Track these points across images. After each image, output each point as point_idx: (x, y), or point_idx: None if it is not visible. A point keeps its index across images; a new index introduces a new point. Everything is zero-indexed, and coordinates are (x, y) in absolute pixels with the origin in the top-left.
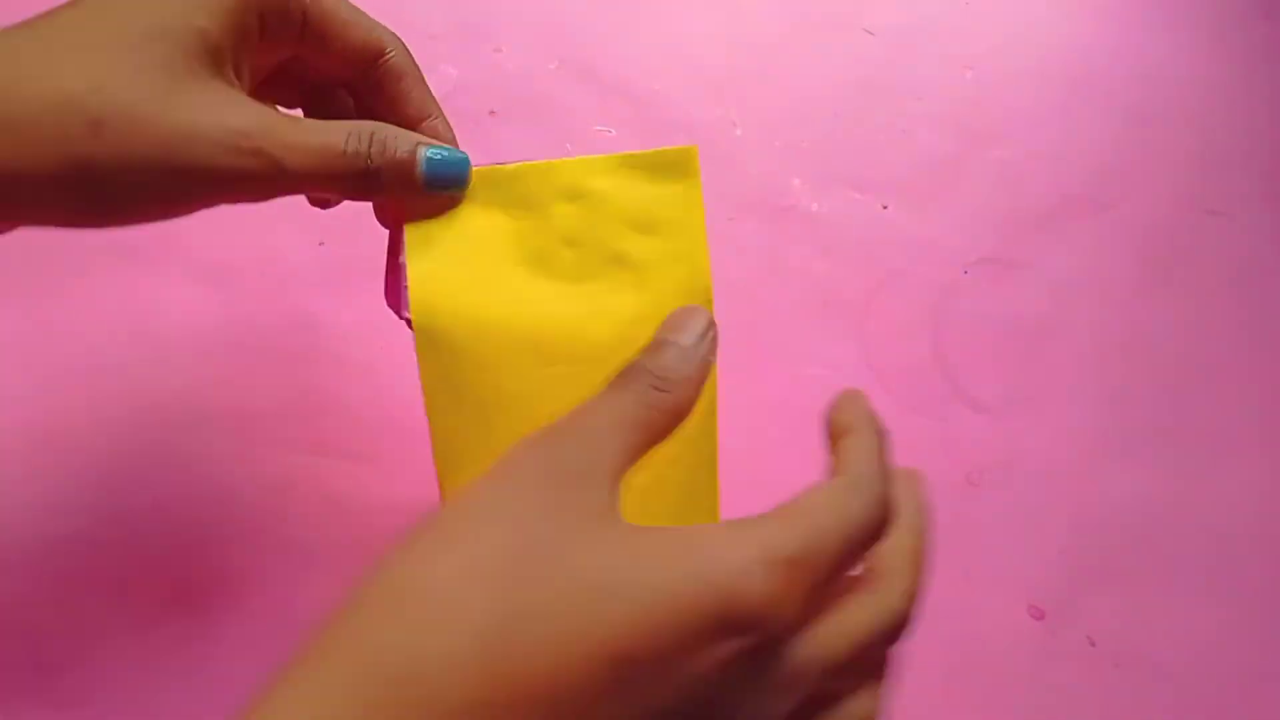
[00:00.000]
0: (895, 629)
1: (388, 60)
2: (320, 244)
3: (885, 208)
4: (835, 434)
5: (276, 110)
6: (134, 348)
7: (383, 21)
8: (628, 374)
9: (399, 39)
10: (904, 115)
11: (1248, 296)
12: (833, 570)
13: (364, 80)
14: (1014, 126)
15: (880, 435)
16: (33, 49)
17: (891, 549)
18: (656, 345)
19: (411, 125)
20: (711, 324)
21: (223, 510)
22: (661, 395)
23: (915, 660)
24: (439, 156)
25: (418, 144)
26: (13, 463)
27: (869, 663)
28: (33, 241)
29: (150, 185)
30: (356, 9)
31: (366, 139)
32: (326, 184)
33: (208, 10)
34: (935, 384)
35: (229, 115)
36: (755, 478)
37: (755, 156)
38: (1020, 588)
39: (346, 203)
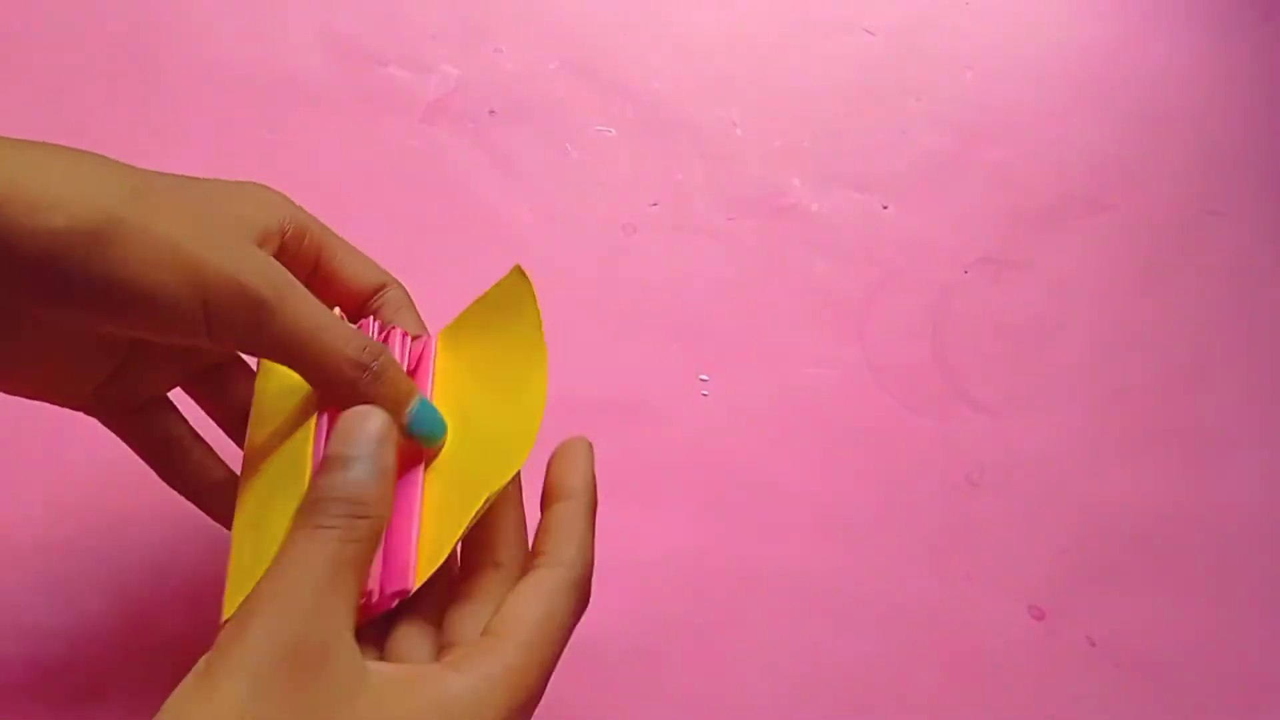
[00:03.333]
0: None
1: (384, 295)
2: None
3: (885, 208)
4: (550, 493)
5: (296, 281)
6: None
7: (383, 21)
8: (320, 508)
9: (399, 283)
10: (904, 115)
11: (1248, 296)
12: (556, 664)
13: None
14: (1014, 126)
15: (592, 507)
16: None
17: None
18: (337, 463)
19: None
20: (388, 423)
21: None
22: (362, 523)
23: (915, 660)
24: (427, 421)
25: (410, 397)
26: (12, 462)
27: None
28: None
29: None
30: (363, 259)
31: (375, 355)
32: (314, 362)
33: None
34: (935, 384)
35: (255, 273)
36: (755, 477)
37: (755, 156)
38: (1020, 588)
39: None
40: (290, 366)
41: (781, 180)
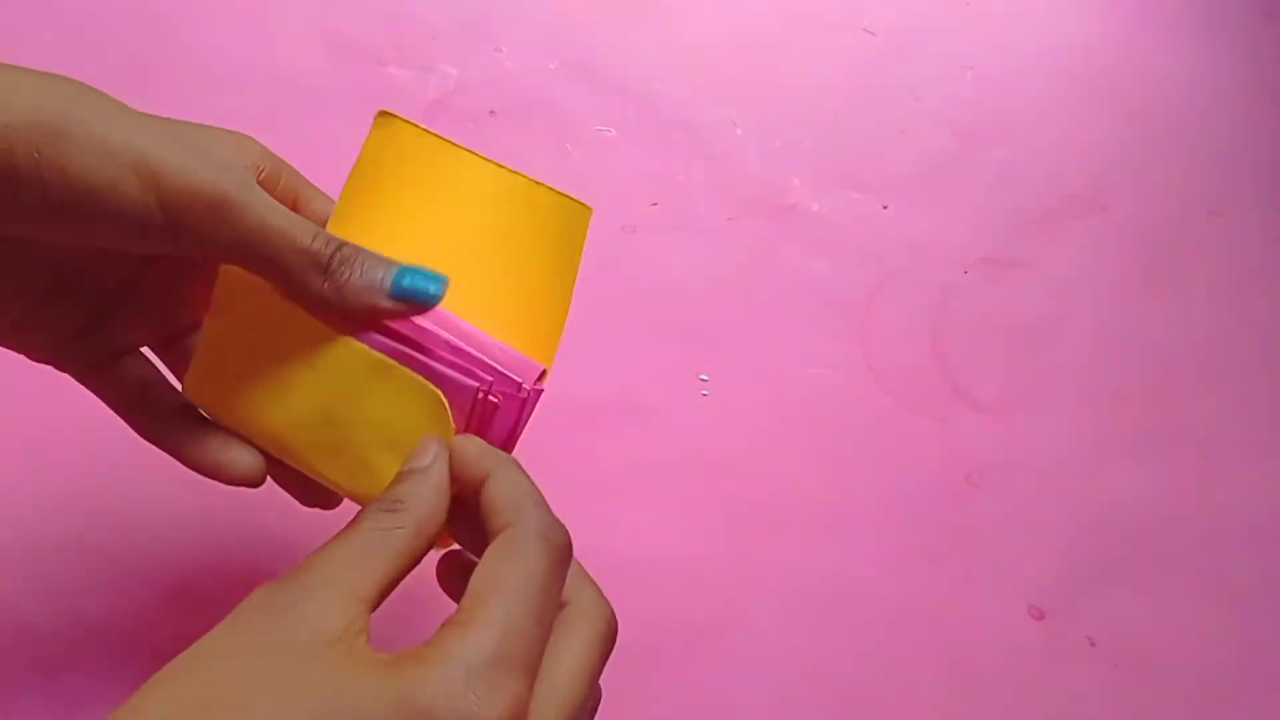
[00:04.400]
0: (609, 638)
1: None
2: None
3: (885, 208)
4: (473, 487)
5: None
6: None
7: (383, 21)
8: (361, 511)
9: None
10: (904, 115)
11: (1248, 296)
12: (537, 628)
13: None
14: (1014, 126)
15: (511, 464)
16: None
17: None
18: (394, 480)
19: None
20: (441, 444)
21: (223, 508)
22: (393, 515)
23: (915, 660)
24: (419, 284)
25: (396, 266)
26: (11, 461)
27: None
28: None
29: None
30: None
31: (338, 244)
32: (276, 258)
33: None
34: (935, 384)
35: (221, 172)
36: (755, 477)
37: (755, 156)
38: (1020, 588)
39: None
40: (252, 267)
41: (781, 180)
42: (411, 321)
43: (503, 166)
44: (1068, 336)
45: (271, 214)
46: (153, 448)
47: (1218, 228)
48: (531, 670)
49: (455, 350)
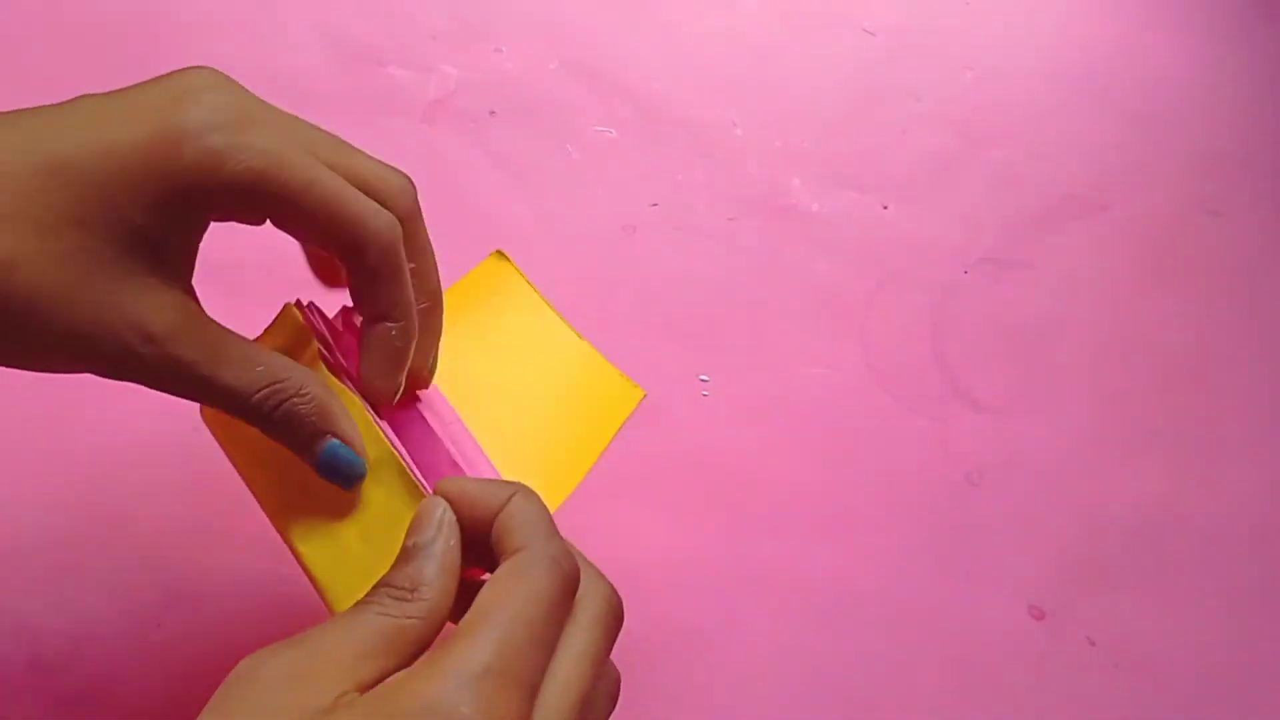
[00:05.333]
0: (611, 617)
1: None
2: None
3: (885, 208)
4: (487, 519)
5: (198, 314)
6: None
7: (383, 21)
8: (370, 592)
9: (392, 232)
10: (904, 115)
11: (1248, 296)
12: (538, 649)
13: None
14: (1014, 126)
15: (525, 491)
16: None
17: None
18: (400, 557)
19: (372, 319)
20: (446, 509)
21: (223, 509)
22: (404, 605)
23: (915, 660)
24: (332, 457)
25: (325, 435)
26: (10, 460)
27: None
28: None
29: (53, 361)
30: (355, 196)
31: (275, 403)
32: (223, 409)
33: (138, 202)
34: (935, 384)
35: (143, 312)
36: (755, 477)
37: (755, 156)
38: (1020, 588)
39: None
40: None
41: (781, 180)
42: (430, 429)
43: (576, 332)
44: (1068, 336)
45: (223, 369)
46: (152, 448)
47: (1218, 228)
48: (530, 689)
49: (454, 467)
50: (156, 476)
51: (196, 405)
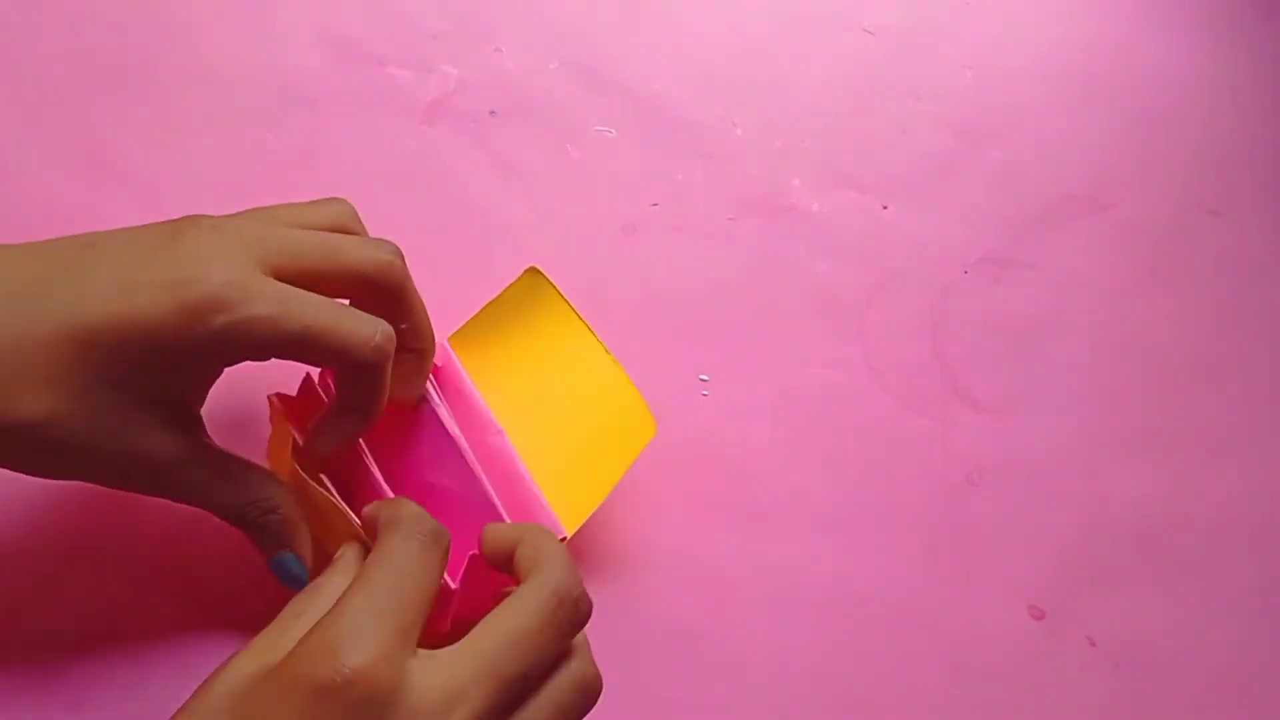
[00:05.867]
0: (554, 603)
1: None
2: None
3: (885, 208)
4: (504, 559)
5: (205, 445)
6: None
7: (383, 21)
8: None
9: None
10: (904, 115)
11: (1248, 296)
12: (514, 666)
13: None
14: (1014, 126)
15: (539, 529)
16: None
17: (528, 557)
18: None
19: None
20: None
21: None
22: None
23: (915, 660)
24: (283, 566)
25: (285, 548)
26: None
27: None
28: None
29: (76, 479)
30: (343, 326)
31: (257, 513)
32: (218, 515)
33: (161, 366)
34: (935, 384)
35: (159, 447)
36: (755, 477)
37: (755, 156)
38: (1020, 588)
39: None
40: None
41: (781, 180)
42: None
43: (609, 353)
44: (1068, 336)
45: (219, 488)
46: None
47: (1218, 228)
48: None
49: (507, 478)
50: None
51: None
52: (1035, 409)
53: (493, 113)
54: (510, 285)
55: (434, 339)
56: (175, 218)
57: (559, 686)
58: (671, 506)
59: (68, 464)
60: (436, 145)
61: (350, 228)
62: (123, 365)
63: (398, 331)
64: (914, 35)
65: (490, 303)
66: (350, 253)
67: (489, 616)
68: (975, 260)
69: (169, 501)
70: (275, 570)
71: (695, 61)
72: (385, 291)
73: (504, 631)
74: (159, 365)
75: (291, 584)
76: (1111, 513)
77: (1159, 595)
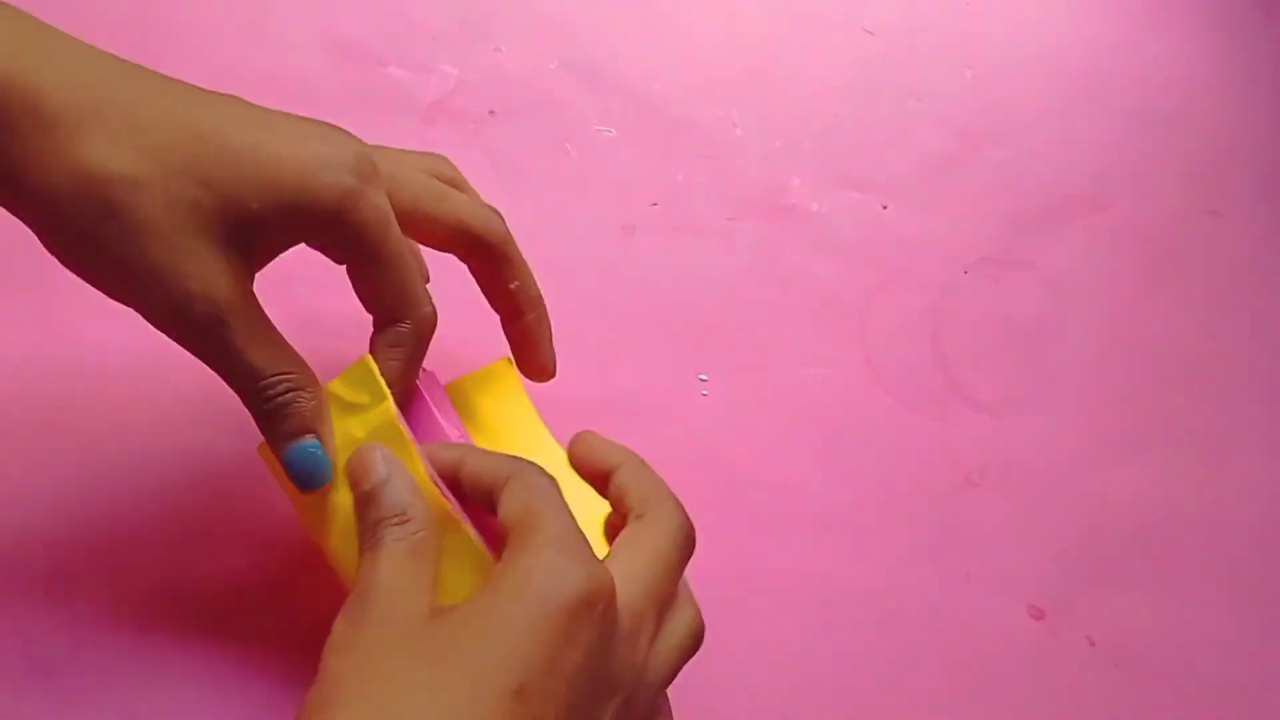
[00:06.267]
0: (681, 535)
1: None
2: None
3: (885, 208)
4: (598, 472)
5: (254, 298)
6: (133, 344)
7: (383, 21)
8: (368, 536)
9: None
10: (904, 115)
11: (1248, 296)
12: (651, 601)
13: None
14: (1014, 126)
15: (636, 456)
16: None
17: (639, 490)
18: (370, 496)
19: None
20: (383, 449)
21: (223, 509)
22: (403, 527)
23: (915, 660)
24: (303, 454)
25: (310, 433)
26: (9, 459)
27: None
28: (29, 239)
29: (118, 285)
30: (418, 284)
31: (284, 389)
32: (235, 384)
33: (260, 197)
34: (935, 384)
35: (213, 275)
36: (755, 478)
37: (755, 156)
38: (1020, 588)
39: None
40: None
41: (781, 180)
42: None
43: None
44: (1068, 336)
45: (254, 346)
46: (151, 447)
47: (1218, 228)
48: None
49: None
50: (158, 477)
51: (197, 408)
52: (1035, 409)
53: (492, 113)
54: (479, 370)
55: (543, 300)
56: None
57: (676, 631)
58: None
59: (128, 249)
60: (436, 145)
61: (459, 183)
62: (225, 169)
63: (508, 292)
64: (914, 35)
65: (452, 383)
66: (463, 205)
67: (635, 541)
68: (975, 260)
69: (170, 508)
70: (294, 460)
71: (695, 61)
72: (490, 249)
73: (658, 557)
74: (259, 194)
75: (313, 479)
76: (1111, 513)
77: (1159, 595)
